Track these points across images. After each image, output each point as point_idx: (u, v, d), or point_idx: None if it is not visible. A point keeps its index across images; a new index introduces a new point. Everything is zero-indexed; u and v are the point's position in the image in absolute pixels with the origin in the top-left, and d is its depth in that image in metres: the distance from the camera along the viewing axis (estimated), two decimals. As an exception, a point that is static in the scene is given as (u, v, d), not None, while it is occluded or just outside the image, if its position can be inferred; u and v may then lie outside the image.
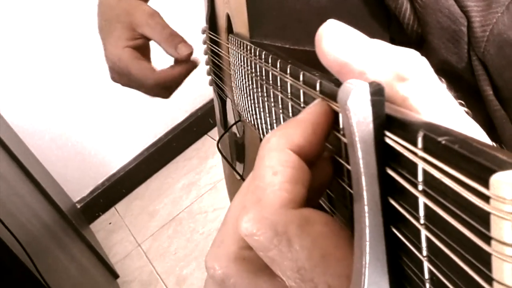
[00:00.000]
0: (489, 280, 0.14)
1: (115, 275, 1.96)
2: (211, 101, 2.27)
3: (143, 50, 0.72)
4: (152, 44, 0.74)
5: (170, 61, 0.74)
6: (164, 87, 0.72)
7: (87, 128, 2.21)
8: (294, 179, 0.23)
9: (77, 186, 2.28)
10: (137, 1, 0.72)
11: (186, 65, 0.72)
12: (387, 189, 0.20)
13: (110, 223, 2.29)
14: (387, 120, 0.19)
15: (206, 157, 2.27)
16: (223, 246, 0.25)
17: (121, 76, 0.72)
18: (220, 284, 0.25)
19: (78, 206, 2.29)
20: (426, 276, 0.18)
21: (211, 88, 0.92)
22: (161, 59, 0.77)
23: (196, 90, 2.17)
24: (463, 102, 0.32)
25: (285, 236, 0.21)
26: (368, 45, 0.22)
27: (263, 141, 0.24)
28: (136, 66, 0.69)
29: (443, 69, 0.44)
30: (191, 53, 0.71)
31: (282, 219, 0.22)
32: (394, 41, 0.47)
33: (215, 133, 2.30)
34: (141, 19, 0.69)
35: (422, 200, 0.17)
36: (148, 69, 0.70)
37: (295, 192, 0.23)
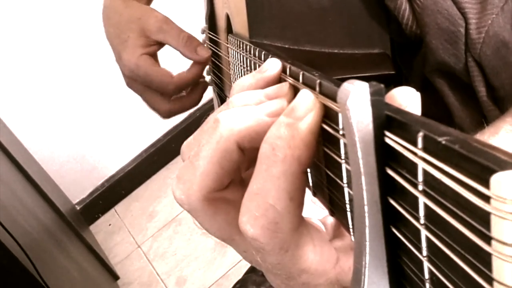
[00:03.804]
0: (490, 280, 0.14)
1: (115, 277, 1.96)
2: (209, 102, 2.26)
3: (155, 57, 0.73)
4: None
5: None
6: (181, 91, 0.72)
7: (86, 129, 2.21)
8: (302, 200, 0.26)
9: (76, 188, 2.28)
10: (146, 7, 0.72)
11: (199, 66, 0.72)
12: (387, 189, 0.20)
13: (109, 225, 2.29)
14: (387, 120, 0.19)
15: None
16: (193, 188, 0.28)
17: (138, 83, 0.72)
18: (186, 210, 0.30)
19: (78, 208, 2.29)
20: (426, 276, 0.18)
21: (210, 88, 0.92)
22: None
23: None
24: None
25: (285, 249, 0.25)
26: None
27: (277, 158, 0.25)
28: (156, 73, 0.69)
29: (440, 70, 0.44)
30: (210, 55, 0.71)
31: (291, 239, 0.25)
32: (393, 41, 0.47)
33: (214, 134, 2.29)
34: (155, 26, 0.69)
35: (422, 200, 0.17)
36: (167, 75, 0.70)
37: (301, 213, 0.26)
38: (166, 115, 0.75)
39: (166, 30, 0.69)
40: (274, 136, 0.25)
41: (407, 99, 0.21)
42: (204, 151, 0.27)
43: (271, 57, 0.33)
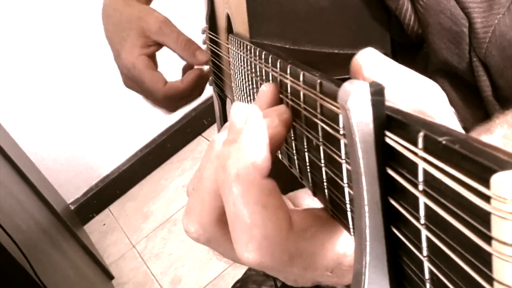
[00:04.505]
0: (490, 280, 0.14)
1: (110, 276, 1.96)
2: (205, 102, 2.27)
3: (154, 58, 0.72)
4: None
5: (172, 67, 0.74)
6: (172, 100, 0.71)
7: (81, 129, 2.21)
8: (279, 202, 0.24)
9: (71, 188, 2.27)
10: (147, 7, 0.72)
11: (194, 77, 0.72)
12: (388, 189, 0.20)
13: (104, 224, 2.29)
14: (387, 120, 0.19)
15: (200, 158, 2.26)
16: (204, 212, 0.27)
17: (133, 83, 0.72)
18: (204, 244, 0.28)
19: (72, 208, 2.28)
20: (427, 276, 0.18)
21: (210, 88, 0.92)
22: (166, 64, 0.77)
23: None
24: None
25: (298, 253, 0.24)
26: (401, 76, 0.23)
27: (232, 176, 0.24)
28: (149, 76, 0.68)
29: (443, 70, 0.44)
30: (208, 59, 0.71)
31: (292, 244, 0.24)
32: (394, 41, 0.47)
33: (209, 134, 2.30)
34: (155, 26, 0.69)
35: (422, 200, 0.17)
36: (160, 81, 0.69)
37: (285, 212, 0.25)
38: (169, 112, 0.75)
39: (166, 32, 0.69)
40: (220, 158, 0.25)
41: (366, 59, 0.21)
42: (207, 171, 0.27)
43: (272, 57, 0.33)
